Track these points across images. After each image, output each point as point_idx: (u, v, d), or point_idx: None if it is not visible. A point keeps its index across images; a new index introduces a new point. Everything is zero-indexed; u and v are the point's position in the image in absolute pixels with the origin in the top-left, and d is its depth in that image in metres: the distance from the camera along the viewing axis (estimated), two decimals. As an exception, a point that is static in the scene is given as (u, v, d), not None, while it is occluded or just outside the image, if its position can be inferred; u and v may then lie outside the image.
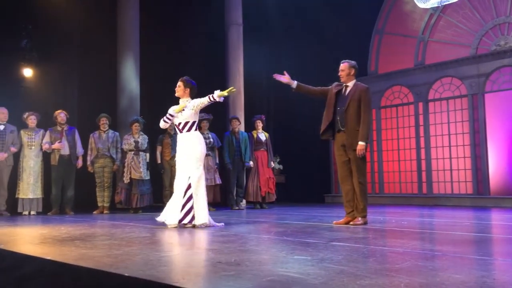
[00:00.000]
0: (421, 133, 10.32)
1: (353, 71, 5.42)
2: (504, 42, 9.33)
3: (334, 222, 5.47)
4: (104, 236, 4.33)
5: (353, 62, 5.46)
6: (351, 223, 5.24)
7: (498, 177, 9.70)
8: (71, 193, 8.05)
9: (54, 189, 7.94)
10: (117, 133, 8.42)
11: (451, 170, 9.90)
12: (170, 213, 5.15)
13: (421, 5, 10.32)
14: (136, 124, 8.18)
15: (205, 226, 5.08)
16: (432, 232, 4.81)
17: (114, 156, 8.20)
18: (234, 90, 5.54)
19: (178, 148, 5.34)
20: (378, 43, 11.26)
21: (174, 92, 5.54)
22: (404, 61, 10.73)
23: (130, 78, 9.33)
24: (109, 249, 3.42)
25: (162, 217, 5.22)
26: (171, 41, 10.57)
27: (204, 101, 5.32)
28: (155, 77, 10.08)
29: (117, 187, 8.20)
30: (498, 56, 9.28)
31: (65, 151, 7.95)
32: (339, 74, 5.45)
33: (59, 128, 8.00)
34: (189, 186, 5.15)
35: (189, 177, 5.17)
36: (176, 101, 5.57)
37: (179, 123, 5.35)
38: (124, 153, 8.20)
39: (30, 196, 7.76)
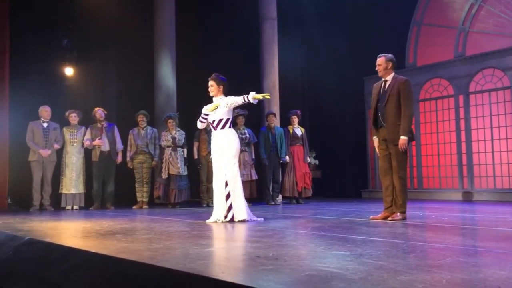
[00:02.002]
0: (462, 126, 10.06)
1: (390, 65, 5.32)
2: (549, 31, 8.97)
3: (371, 217, 5.42)
4: (144, 230, 4.43)
5: (389, 55, 5.36)
6: (389, 218, 5.17)
7: (543, 171, 9.36)
8: (111, 188, 8.25)
9: (95, 184, 8.17)
10: (155, 130, 8.57)
11: (493, 164, 9.62)
12: (215, 211, 5.30)
13: (461, -6, 10.03)
14: (170, 120, 8.30)
15: (244, 222, 5.13)
16: (474, 227, 4.69)
17: (152, 152, 8.36)
18: (269, 96, 5.50)
19: (212, 146, 5.41)
20: (417, 34, 11.01)
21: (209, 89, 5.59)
22: (443, 52, 10.47)
23: (167, 75, 9.46)
24: (149, 243, 3.50)
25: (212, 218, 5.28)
26: (206, 37, 10.66)
27: (238, 100, 5.32)
28: (191, 74, 10.19)
29: (156, 182, 8.35)
30: (543, 45, 8.93)
31: (105, 147, 8.16)
32: (376, 69, 5.38)
33: (98, 125, 8.21)
34: (226, 184, 5.24)
35: (225, 175, 5.25)
36: (210, 99, 5.63)
37: (213, 121, 5.41)
38: (162, 149, 8.34)
39: (73, 191, 8.01)
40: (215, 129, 5.41)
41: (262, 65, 10.15)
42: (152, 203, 8.59)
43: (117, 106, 9.89)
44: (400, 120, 5.12)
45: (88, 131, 8.19)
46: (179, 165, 8.18)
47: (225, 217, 5.22)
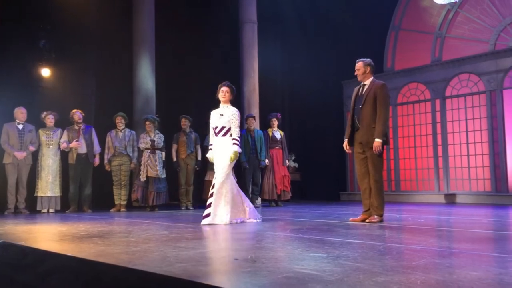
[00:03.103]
0: (438, 130, 10.23)
1: (368, 69, 5.40)
2: (523, 38, 9.20)
3: (350, 219, 5.47)
4: (122, 234, 4.39)
5: (368, 60, 5.44)
6: (367, 220, 5.23)
7: (517, 174, 9.58)
8: (88, 191, 8.15)
9: (72, 187, 8.06)
10: (133, 132, 8.50)
11: (468, 167, 9.80)
12: (218, 212, 5.35)
13: (438, 0, 10.21)
14: (148, 122, 8.25)
15: (225, 224, 5.20)
16: (450, 230, 4.77)
17: (131, 154, 8.29)
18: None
19: (214, 151, 5.61)
20: (395, 39, 11.17)
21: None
22: (421, 57, 10.64)
23: (146, 77, 9.40)
24: (126, 246, 3.47)
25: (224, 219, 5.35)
26: (186, 40, 10.62)
27: (235, 132, 5.56)
28: (170, 77, 10.15)
29: (134, 185, 8.29)
30: (516, 51, 9.15)
31: (82, 149, 8.07)
32: (355, 73, 5.45)
33: (76, 127, 8.12)
34: (213, 186, 5.40)
35: (215, 177, 5.43)
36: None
37: (216, 127, 5.61)
38: (140, 152, 8.27)
39: (49, 194, 7.89)
40: (216, 135, 5.61)
41: (242, 68, 10.17)
42: (130, 206, 8.51)
43: (95, 108, 9.77)
44: (375, 123, 5.19)
45: (65, 133, 8.08)
46: (157, 168, 8.12)
47: (204, 217, 5.31)
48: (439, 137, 10.22)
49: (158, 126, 8.37)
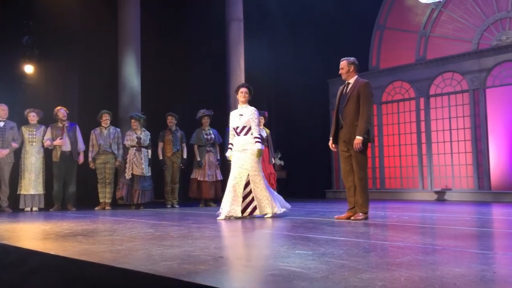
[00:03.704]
0: (422, 128, 10.33)
1: (352, 68, 5.45)
2: (505, 37, 9.32)
3: (336, 217, 5.50)
4: (106, 232, 4.35)
5: (352, 58, 5.48)
6: (352, 218, 5.26)
7: (499, 172, 9.71)
8: (72, 189, 8.07)
9: (56, 185, 7.97)
10: (118, 129, 8.43)
11: (452, 165, 9.91)
12: (226, 207, 5.66)
13: (422, 0, 10.31)
14: (133, 120, 8.19)
15: (270, 216, 5.65)
16: (433, 226, 4.82)
17: (116, 152, 8.22)
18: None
19: (235, 149, 5.82)
20: (380, 38, 11.25)
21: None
22: (405, 56, 10.73)
23: (131, 74, 9.33)
24: (111, 244, 3.44)
25: (222, 214, 5.66)
26: (172, 37, 10.57)
27: (256, 130, 5.79)
28: (156, 74, 10.08)
29: (119, 182, 8.22)
30: (499, 51, 9.27)
31: (67, 147, 7.98)
32: (340, 71, 5.49)
33: (60, 125, 8.02)
34: (248, 183, 5.69)
35: (249, 175, 5.69)
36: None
37: (237, 127, 5.84)
38: (126, 149, 8.21)
39: (32, 192, 7.79)
40: (238, 135, 5.83)
41: (229, 66, 10.15)
42: (115, 204, 8.45)
43: (79, 106, 9.67)
44: (358, 121, 5.23)
45: (49, 130, 7.98)
46: (143, 166, 8.08)
47: (242, 212, 5.68)
48: (423, 135, 10.32)
49: (144, 124, 8.32)
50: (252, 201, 5.70)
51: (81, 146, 8.17)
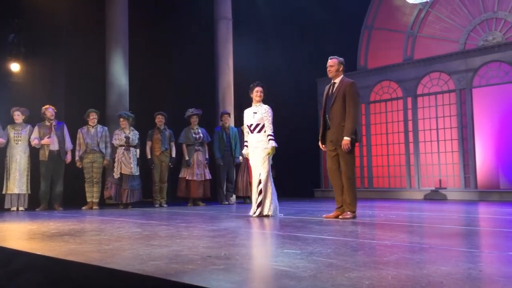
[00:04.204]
0: (410, 127, 10.40)
1: (341, 67, 5.48)
2: (491, 38, 9.42)
3: (324, 215, 5.52)
4: (94, 232, 4.32)
5: (341, 58, 5.51)
6: (340, 217, 5.28)
7: (485, 171, 9.82)
8: (60, 188, 8.00)
9: (43, 184, 7.89)
10: (105, 128, 8.36)
11: (439, 164, 10.00)
12: (253, 206, 5.83)
13: (410, 0, 10.38)
14: (121, 119, 8.14)
15: (269, 217, 5.62)
16: (420, 225, 4.86)
17: (103, 151, 8.15)
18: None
19: (249, 147, 5.91)
20: (368, 38, 11.30)
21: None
22: (393, 56, 10.79)
23: (119, 73, 9.27)
24: (98, 244, 3.42)
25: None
26: (160, 36, 10.52)
27: (269, 128, 5.83)
28: (144, 72, 10.03)
29: (107, 182, 8.16)
30: (485, 51, 9.37)
31: (54, 146, 7.90)
32: (328, 69, 5.49)
33: (47, 123, 7.94)
34: (259, 182, 5.71)
35: (259, 174, 5.72)
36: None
37: (251, 125, 5.90)
38: (114, 148, 8.16)
39: (16, 191, 7.68)
40: (252, 132, 5.89)
41: (217, 65, 10.13)
42: (103, 203, 8.39)
43: (66, 105, 9.58)
44: (345, 122, 5.24)
45: (36, 129, 7.89)
46: (132, 165, 8.03)
47: (254, 212, 5.72)
48: (410, 134, 10.39)
49: (133, 123, 8.27)
50: (262, 202, 5.73)
51: (68, 145, 8.09)
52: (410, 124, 10.41)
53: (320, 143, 5.59)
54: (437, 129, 10.06)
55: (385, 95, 10.92)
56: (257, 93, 5.96)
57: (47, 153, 7.86)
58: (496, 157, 10.09)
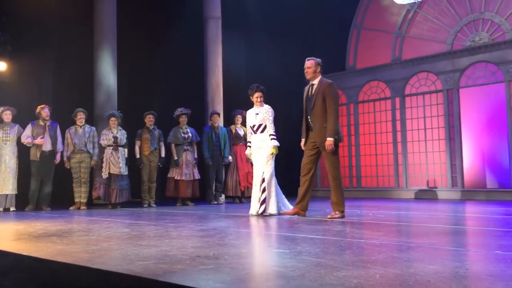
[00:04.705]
0: (398, 127, 10.47)
1: (319, 68, 5.54)
2: (478, 38, 9.51)
3: (282, 212, 5.75)
4: (81, 232, 4.29)
5: (318, 59, 5.57)
6: (328, 216, 5.31)
7: (472, 171, 9.92)
8: (48, 189, 7.91)
9: (34, 184, 7.75)
10: (93, 128, 8.30)
11: (427, 164, 10.07)
12: (252, 204, 5.95)
13: (398, 1, 10.44)
14: (113, 118, 8.09)
15: (274, 216, 5.69)
16: (408, 224, 4.89)
17: (91, 151, 8.08)
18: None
19: (253, 147, 6.06)
20: (356, 38, 11.35)
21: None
22: (381, 56, 10.85)
23: (107, 72, 9.21)
24: (86, 244, 3.40)
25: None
26: (149, 35, 10.46)
27: (271, 127, 5.99)
28: (133, 72, 9.97)
29: (95, 182, 8.11)
30: (472, 51, 9.45)
31: (47, 147, 7.78)
32: (305, 71, 5.55)
33: (41, 123, 7.82)
34: (263, 180, 5.83)
35: (263, 172, 5.85)
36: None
37: (254, 125, 6.06)
38: (101, 148, 8.10)
39: (5, 192, 7.60)
40: (255, 133, 6.05)
41: (206, 64, 10.10)
42: (91, 203, 8.33)
43: (54, 104, 9.47)
44: (327, 123, 5.30)
45: (30, 127, 7.75)
46: (120, 165, 7.99)
47: (257, 211, 5.80)
48: (398, 134, 10.46)
49: (121, 123, 8.23)
50: (265, 199, 5.82)
51: (60, 146, 7.99)
52: (398, 124, 10.47)
53: (302, 144, 5.65)
54: (424, 129, 10.14)
55: (374, 95, 10.98)
56: (257, 98, 6.14)
57: (38, 153, 7.73)
58: (483, 156, 10.21)
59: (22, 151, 7.85)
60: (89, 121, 8.44)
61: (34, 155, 7.77)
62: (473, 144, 10.02)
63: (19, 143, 7.80)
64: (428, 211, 6.41)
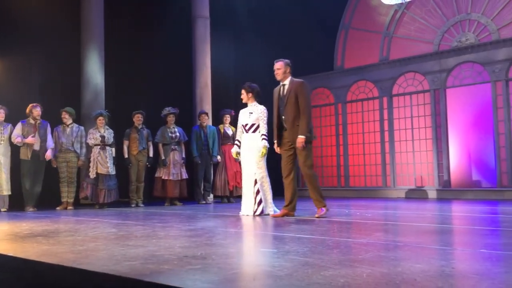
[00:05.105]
0: (386, 127, 10.53)
1: (288, 69, 5.64)
2: (465, 39, 9.60)
3: (271, 215, 5.68)
4: (68, 232, 4.25)
5: (287, 60, 5.68)
6: (316, 215, 5.33)
7: (459, 170, 10.01)
8: (38, 189, 7.77)
9: (27, 184, 7.59)
10: (81, 128, 8.22)
11: (414, 163, 10.14)
12: (244, 205, 5.93)
13: (386, 1, 10.50)
14: (101, 117, 8.03)
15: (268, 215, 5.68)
16: (395, 223, 4.92)
17: (78, 151, 8.00)
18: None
19: (243, 147, 6.00)
20: (345, 38, 11.40)
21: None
22: (369, 56, 10.90)
23: (95, 71, 9.14)
24: (72, 245, 3.37)
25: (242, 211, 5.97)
26: (137, 33, 10.40)
27: (264, 128, 5.95)
28: (120, 71, 9.90)
29: (82, 182, 8.03)
30: (459, 52, 9.54)
31: (37, 146, 7.66)
32: (275, 73, 5.62)
33: (32, 122, 7.70)
34: (255, 182, 5.82)
35: (255, 173, 5.83)
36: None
37: (246, 124, 6.02)
38: (89, 148, 8.03)
39: (4, 193, 7.45)
40: (246, 132, 6.00)
41: (195, 64, 10.08)
42: (78, 203, 8.26)
43: (41, 103, 9.37)
44: (299, 121, 5.38)
45: (20, 126, 7.60)
46: (108, 165, 7.93)
47: (254, 212, 5.78)
48: (386, 134, 10.52)
49: (108, 122, 8.17)
50: (261, 200, 5.82)
51: (50, 143, 7.85)
52: (386, 123, 10.53)
53: (276, 146, 5.67)
54: (412, 128, 10.21)
55: (362, 95, 11.03)
56: (242, 95, 6.14)
57: (29, 152, 7.58)
58: (469, 156, 10.31)
59: (13, 150, 7.70)
60: (76, 120, 8.36)
61: (25, 154, 7.61)
62: (460, 143, 10.12)
63: (11, 142, 7.65)
64: (415, 210, 6.46)
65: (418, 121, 10.13)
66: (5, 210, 7.49)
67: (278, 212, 5.72)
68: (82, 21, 9.20)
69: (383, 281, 2.11)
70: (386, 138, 10.51)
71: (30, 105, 7.76)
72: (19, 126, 7.63)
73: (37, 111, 7.73)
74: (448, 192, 9.48)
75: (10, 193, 7.56)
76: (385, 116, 10.54)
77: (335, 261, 2.57)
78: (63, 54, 9.27)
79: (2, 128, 7.60)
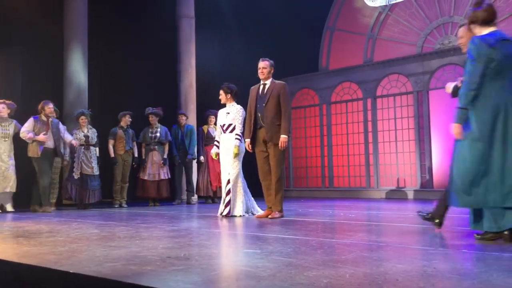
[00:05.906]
0: (369, 128, 10.60)
1: (272, 70, 5.73)
2: (447, 41, 9.72)
3: (256, 215, 5.69)
4: (49, 233, 4.20)
5: (272, 61, 5.74)
6: (269, 217, 5.44)
7: (441, 171, 10.11)
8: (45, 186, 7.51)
9: (44, 180, 7.30)
10: (64, 127, 8.10)
11: (397, 164, 10.23)
12: (220, 205, 5.86)
13: (370, 3, 10.58)
14: (83, 117, 7.92)
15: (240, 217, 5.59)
16: (378, 224, 4.96)
17: (62, 150, 7.88)
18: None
19: (221, 147, 5.99)
20: (329, 39, 11.46)
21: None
22: (354, 57, 10.97)
23: (78, 70, 9.03)
24: (54, 246, 3.32)
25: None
26: (121, 32, 10.31)
27: (239, 128, 5.88)
28: (104, 70, 9.80)
29: (66, 182, 7.92)
30: (442, 54, 9.65)
31: (50, 144, 7.42)
32: (260, 71, 5.66)
33: (44, 119, 7.45)
34: (228, 181, 5.74)
35: (228, 173, 5.76)
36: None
37: (224, 124, 5.98)
38: (72, 148, 7.92)
39: (8, 190, 7.26)
40: (224, 132, 5.97)
41: (180, 64, 10.03)
42: (60, 204, 8.16)
43: (23, 102, 9.23)
44: (279, 120, 5.48)
45: (32, 122, 7.34)
46: (92, 164, 7.84)
47: (221, 212, 5.72)
48: (370, 135, 10.60)
49: (90, 121, 8.08)
50: (229, 201, 5.72)
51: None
52: (369, 124, 10.61)
53: (248, 144, 5.67)
54: (395, 130, 10.30)
55: (346, 96, 11.10)
56: (220, 96, 6.14)
57: (39, 149, 7.31)
58: (451, 157, 10.40)
59: (20, 147, 7.47)
60: (59, 119, 8.24)
61: (33, 151, 7.32)
62: (442, 145, 10.22)
63: (15, 139, 7.42)
64: (398, 211, 6.51)
65: (402, 123, 10.22)
66: (12, 210, 7.29)
67: (262, 212, 5.71)
68: (65, 19, 9.09)
69: (366, 281, 2.12)
70: (370, 139, 10.59)
71: (42, 101, 7.50)
72: (30, 121, 7.35)
73: (49, 108, 7.45)
74: (430, 193, 9.58)
75: (13, 190, 7.37)
76: (369, 117, 10.61)
77: (319, 261, 2.58)
78: (45, 53, 9.14)
79: (7, 124, 7.35)
